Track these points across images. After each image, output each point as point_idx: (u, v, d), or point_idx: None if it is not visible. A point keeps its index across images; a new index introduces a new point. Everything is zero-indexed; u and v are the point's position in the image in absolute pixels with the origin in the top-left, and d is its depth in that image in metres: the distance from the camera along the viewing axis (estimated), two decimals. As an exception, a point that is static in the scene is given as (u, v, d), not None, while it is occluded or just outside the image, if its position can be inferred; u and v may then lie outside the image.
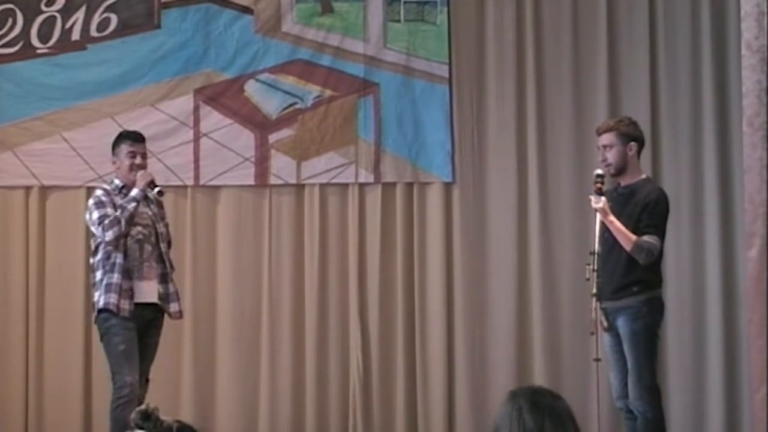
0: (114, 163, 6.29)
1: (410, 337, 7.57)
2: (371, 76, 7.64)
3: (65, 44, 7.57)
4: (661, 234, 5.89)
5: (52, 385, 7.43)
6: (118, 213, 6.07)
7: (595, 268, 5.78)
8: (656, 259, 5.89)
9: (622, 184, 6.04)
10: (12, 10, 7.54)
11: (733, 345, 7.43)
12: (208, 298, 7.54)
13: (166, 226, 6.36)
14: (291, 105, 7.65)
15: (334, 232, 7.62)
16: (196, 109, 7.58)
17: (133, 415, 2.77)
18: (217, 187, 7.61)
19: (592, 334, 5.82)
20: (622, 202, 5.96)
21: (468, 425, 7.51)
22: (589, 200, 5.94)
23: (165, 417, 2.74)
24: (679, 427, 7.26)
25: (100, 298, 6.10)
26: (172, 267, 6.33)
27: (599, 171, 5.97)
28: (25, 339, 7.46)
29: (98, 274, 6.14)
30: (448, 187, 7.64)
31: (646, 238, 5.83)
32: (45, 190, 7.56)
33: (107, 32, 7.59)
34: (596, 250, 5.80)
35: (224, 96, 7.61)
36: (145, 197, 6.22)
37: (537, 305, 7.55)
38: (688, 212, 7.46)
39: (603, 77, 7.63)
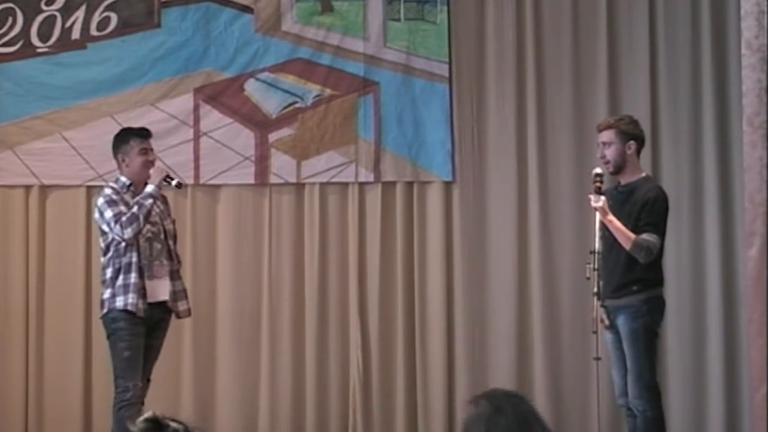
0: (123, 161, 6.25)
1: (410, 337, 7.57)
2: (371, 75, 7.64)
3: (65, 43, 7.57)
4: (661, 232, 5.89)
5: (52, 383, 7.43)
6: (135, 209, 6.06)
7: (596, 267, 5.78)
8: (656, 257, 5.88)
9: (622, 182, 6.04)
10: (12, 9, 7.54)
11: (733, 345, 7.43)
12: (208, 297, 7.54)
13: (173, 222, 6.38)
14: (291, 104, 7.64)
15: (334, 231, 7.62)
16: (196, 108, 7.58)
17: (141, 424, 2.74)
18: (217, 186, 7.61)
19: (594, 333, 5.82)
20: (622, 201, 5.96)
21: (468, 425, 7.49)
22: (589, 199, 5.94)
23: (173, 423, 2.72)
24: (679, 426, 7.26)
25: (115, 298, 6.07)
26: (179, 262, 6.34)
27: (598, 170, 5.97)
28: (25, 338, 7.46)
29: (108, 272, 6.13)
30: (448, 186, 7.64)
31: (645, 236, 5.83)
32: (45, 190, 7.55)
33: (107, 31, 7.58)
34: (596, 249, 5.81)
35: (224, 95, 7.60)
36: (178, 187, 6.29)
37: (537, 305, 7.54)
38: (688, 212, 7.46)
39: (603, 77, 7.63)
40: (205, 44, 7.60)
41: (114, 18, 7.57)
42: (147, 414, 2.74)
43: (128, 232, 6.04)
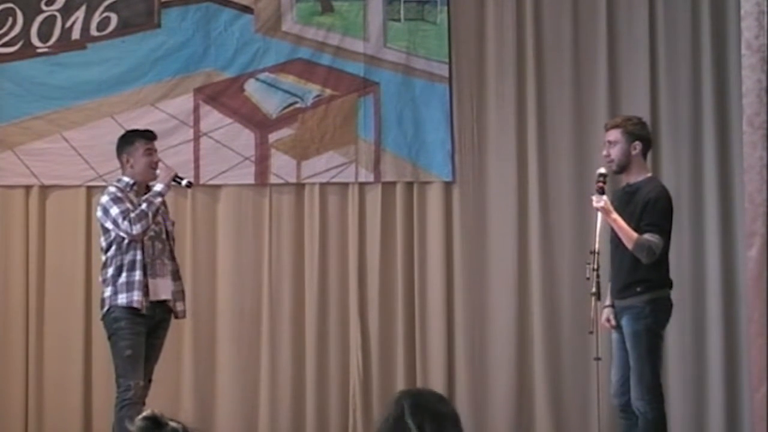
0: (127, 162, 6.25)
1: (410, 337, 7.57)
2: (371, 76, 7.64)
3: (65, 43, 7.57)
4: (664, 232, 5.88)
5: (52, 384, 7.42)
6: (144, 207, 6.07)
7: (595, 267, 5.78)
8: (659, 258, 5.88)
9: (628, 182, 6.05)
10: (12, 9, 7.53)
11: (733, 345, 7.43)
12: (208, 297, 7.54)
13: (173, 224, 6.39)
14: (291, 104, 7.64)
15: (334, 231, 7.61)
16: (196, 108, 7.58)
17: (140, 423, 2.74)
18: (217, 186, 7.60)
19: (591, 333, 5.82)
20: (626, 201, 5.97)
21: (468, 425, 7.45)
22: (591, 199, 5.95)
23: (172, 422, 2.72)
24: (679, 427, 7.26)
25: (117, 295, 6.07)
26: (177, 263, 6.35)
27: (602, 170, 5.97)
28: (25, 338, 7.45)
29: (110, 270, 6.12)
30: (448, 186, 7.64)
31: (647, 236, 5.83)
32: (45, 190, 7.55)
33: (107, 31, 7.58)
34: (596, 249, 5.81)
35: (224, 95, 7.60)
36: (188, 186, 6.33)
37: (537, 305, 7.54)
38: (688, 212, 7.46)
39: (603, 77, 7.63)
40: (205, 44, 7.59)
41: (114, 18, 7.57)
42: (146, 412, 2.74)
43: (137, 228, 6.04)
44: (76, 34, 7.57)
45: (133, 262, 6.08)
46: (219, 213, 7.62)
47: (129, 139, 6.32)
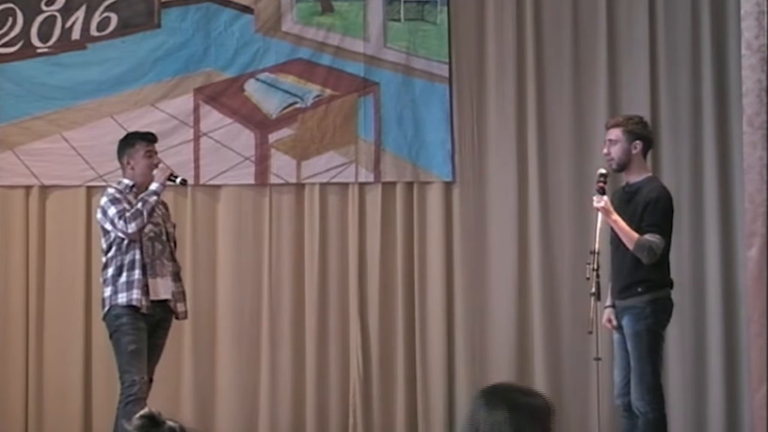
0: (128, 163, 6.29)
1: (410, 337, 7.57)
2: (371, 76, 7.64)
3: (65, 43, 7.57)
4: (664, 232, 5.89)
5: (52, 384, 7.43)
6: (139, 206, 6.12)
7: (595, 267, 5.79)
8: (660, 258, 5.88)
9: (629, 182, 6.05)
10: (12, 9, 7.54)
11: (733, 345, 7.44)
12: (208, 297, 7.54)
13: (173, 226, 6.41)
14: (291, 104, 7.65)
15: (334, 231, 7.62)
16: (196, 108, 7.58)
17: (137, 421, 2.74)
18: (218, 186, 7.61)
19: (590, 333, 5.83)
20: (627, 201, 5.97)
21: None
22: (591, 199, 5.95)
23: (169, 421, 2.72)
24: (679, 426, 7.26)
25: (117, 294, 6.10)
26: (178, 264, 6.38)
27: (602, 170, 5.97)
28: (25, 339, 7.46)
29: (110, 271, 6.15)
30: (448, 186, 7.64)
31: (647, 237, 5.83)
32: (45, 190, 7.55)
33: (107, 31, 7.58)
34: (596, 249, 5.81)
35: (224, 95, 7.61)
36: (182, 184, 6.36)
37: (537, 305, 7.55)
38: (688, 212, 7.46)
39: (603, 77, 7.63)
40: (205, 44, 7.60)
41: (114, 18, 7.57)
42: (143, 411, 2.73)
43: (132, 227, 6.07)
44: (76, 35, 7.58)
45: (132, 262, 6.11)
46: (219, 213, 7.62)
47: (130, 141, 6.35)
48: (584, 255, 6.04)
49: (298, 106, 7.64)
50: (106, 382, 7.11)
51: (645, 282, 5.88)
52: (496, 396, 2.75)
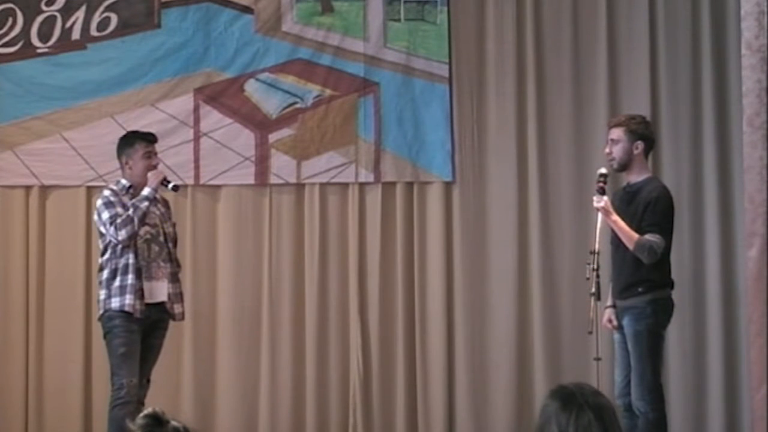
0: (126, 163, 6.27)
1: (410, 337, 7.57)
2: (371, 76, 7.64)
3: (65, 44, 7.57)
4: (665, 232, 5.89)
5: (52, 384, 7.43)
6: (130, 212, 6.08)
7: (595, 267, 5.79)
8: (661, 258, 5.88)
9: (629, 182, 6.05)
10: (12, 9, 7.54)
11: (733, 345, 7.44)
12: (208, 297, 7.54)
13: (173, 225, 6.40)
14: (291, 104, 7.65)
15: (334, 231, 7.62)
16: (196, 108, 7.58)
17: (141, 420, 2.73)
18: (218, 187, 7.61)
19: (590, 333, 5.82)
20: (628, 201, 5.97)
21: (468, 425, 7.51)
22: (591, 199, 5.95)
23: (174, 421, 2.71)
24: (679, 427, 7.26)
25: (111, 298, 6.09)
26: (178, 265, 6.36)
27: (603, 170, 5.97)
28: (25, 338, 7.46)
29: (105, 273, 6.14)
30: (448, 186, 7.64)
31: (647, 237, 5.83)
32: (45, 190, 7.55)
33: (107, 32, 7.58)
34: (596, 249, 5.81)
35: (224, 95, 7.61)
36: (174, 189, 6.29)
37: (537, 305, 7.54)
38: (688, 212, 7.46)
39: (603, 77, 7.63)
40: (205, 45, 7.60)
41: (114, 18, 7.57)
42: (147, 410, 2.73)
43: (122, 234, 6.05)
44: (76, 35, 7.58)
45: (126, 266, 6.09)
46: (219, 213, 7.62)
47: (129, 140, 6.33)
48: (584, 255, 6.04)
49: (298, 106, 7.65)
50: (106, 382, 7.06)
51: (646, 282, 5.88)
52: (574, 398, 2.75)
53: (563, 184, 7.60)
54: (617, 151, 6.00)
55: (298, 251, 7.59)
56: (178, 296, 6.27)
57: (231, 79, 7.62)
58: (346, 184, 7.64)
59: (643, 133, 6.04)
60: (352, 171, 7.62)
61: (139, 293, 6.08)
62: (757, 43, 5.31)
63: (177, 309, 6.26)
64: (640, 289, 5.87)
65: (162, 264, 6.20)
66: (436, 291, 7.56)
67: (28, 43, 7.56)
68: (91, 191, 7.43)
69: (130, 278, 6.07)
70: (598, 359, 5.93)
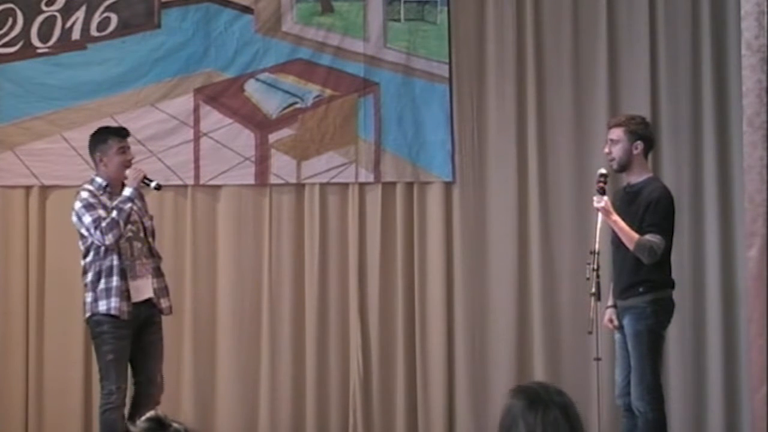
0: (100, 160, 6.22)
1: (410, 337, 7.57)
2: (371, 76, 7.64)
3: (65, 44, 7.57)
4: (665, 233, 5.89)
5: (52, 384, 7.43)
6: (114, 215, 6.03)
7: (595, 267, 5.79)
8: (661, 258, 5.88)
9: (630, 182, 6.05)
10: (12, 9, 7.53)
11: (733, 345, 7.44)
12: (208, 297, 7.54)
13: (151, 218, 6.34)
14: (291, 104, 7.64)
15: (334, 231, 7.61)
16: (196, 108, 7.58)
17: (143, 423, 2.73)
18: (218, 187, 7.60)
19: (590, 333, 5.83)
20: (628, 201, 5.98)
21: (468, 425, 7.51)
22: (591, 200, 5.96)
23: (175, 423, 2.71)
24: (679, 427, 7.26)
25: (98, 302, 6.06)
26: (159, 257, 6.30)
27: (603, 170, 5.98)
28: (25, 338, 7.45)
29: (90, 276, 6.11)
30: (448, 186, 7.64)
31: (648, 237, 5.83)
32: (45, 190, 7.55)
33: (107, 32, 7.58)
34: (596, 250, 5.81)
35: (224, 95, 7.60)
36: (156, 188, 6.23)
37: (537, 305, 7.54)
38: (688, 212, 7.46)
39: (603, 77, 7.63)
40: (206, 45, 7.59)
41: (114, 18, 7.57)
42: (149, 414, 2.73)
43: (109, 238, 6.02)
44: (76, 35, 7.57)
45: (111, 268, 6.05)
46: (219, 213, 7.62)
47: (101, 137, 6.28)
48: (584, 255, 6.05)
49: (298, 106, 7.64)
50: (106, 382, 7.10)
51: (646, 282, 5.88)
52: (539, 396, 2.75)
53: (563, 184, 7.60)
54: (617, 151, 6.00)
55: (298, 251, 7.59)
56: (163, 290, 6.23)
57: (231, 79, 7.62)
58: (346, 184, 7.64)
59: (643, 133, 6.04)
60: (352, 171, 7.62)
61: (126, 294, 6.05)
62: (757, 43, 5.31)
63: (164, 303, 6.22)
64: (640, 290, 5.88)
65: (145, 260, 6.16)
66: (436, 291, 7.56)
67: (28, 43, 7.56)
68: (90, 191, 7.42)
69: (115, 280, 6.03)
70: (598, 359, 5.94)
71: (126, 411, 6.16)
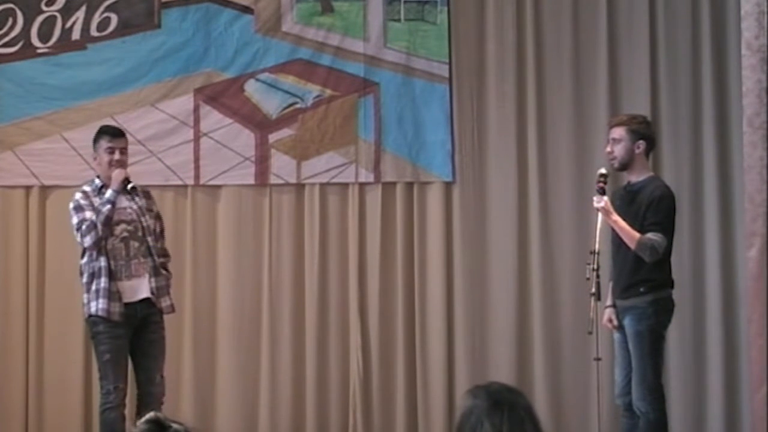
0: (95, 159, 6.29)
1: (410, 337, 7.57)
2: (371, 76, 7.64)
3: (65, 44, 7.57)
4: (667, 231, 5.89)
5: (52, 384, 7.43)
6: (93, 217, 6.04)
7: (595, 267, 5.79)
8: (663, 257, 5.88)
9: (631, 181, 6.05)
10: (12, 9, 7.54)
11: (733, 345, 7.44)
12: (208, 297, 7.54)
13: (157, 216, 6.33)
14: (291, 104, 7.65)
15: (334, 231, 7.62)
16: (196, 108, 7.58)
17: (143, 425, 2.73)
18: (218, 187, 7.61)
19: (590, 333, 5.83)
20: (629, 200, 5.98)
21: (468, 425, 7.50)
22: (591, 199, 5.96)
23: (175, 424, 2.71)
24: (679, 427, 7.26)
25: (89, 303, 6.09)
26: (165, 256, 6.30)
27: (603, 170, 5.98)
28: (25, 338, 7.46)
29: (84, 277, 6.14)
30: (448, 186, 7.64)
31: (649, 235, 5.83)
32: (45, 190, 7.55)
33: (107, 32, 7.58)
34: (596, 249, 5.82)
35: (224, 95, 7.61)
36: (131, 191, 6.18)
37: (537, 305, 7.55)
38: (688, 212, 7.46)
39: (603, 77, 7.63)
40: (206, 45, 7.60)
41: (114, 18, 7.57)
42: (148, 415, 2.73)
43: (87, 241, 6.04)
44: (76, 35, 7.58)
45: (100, 269, 6.07)
46: (219, 213, 7.62)
47: (96, 135, 6.33)
48: (584, 255, 6.05)
49: (298, 106, 7.65)
50: (106, 382, 7.10)
51: (647, 282, 5.88)
52: (502, 396, 2.75)
53: (563, 184, 7.60)
54: (619, 150, 6.01)
55: (298, 251, 7.59)
56: (163, 289, 6.21)
57: (231, 79, 7.62)
58: (346, 184, 7.64)
59: (645, 132, 6.04)
60: (352, 171, 7.63)
61: (116, 295, 6.05)
62: (757, 43, 5.32)
63: (164, 302, 6.21)
64: (641, 289, 5.88)
65: (143, 259, 6.15)
66: (436, 291, 7.56)
67: (28, 44, 7.56)
68: (91, 191, 7.43)
69: (103, 281, 6.04)
70: (598, 359, 5.94)
71: (133, 410, 6.18)
